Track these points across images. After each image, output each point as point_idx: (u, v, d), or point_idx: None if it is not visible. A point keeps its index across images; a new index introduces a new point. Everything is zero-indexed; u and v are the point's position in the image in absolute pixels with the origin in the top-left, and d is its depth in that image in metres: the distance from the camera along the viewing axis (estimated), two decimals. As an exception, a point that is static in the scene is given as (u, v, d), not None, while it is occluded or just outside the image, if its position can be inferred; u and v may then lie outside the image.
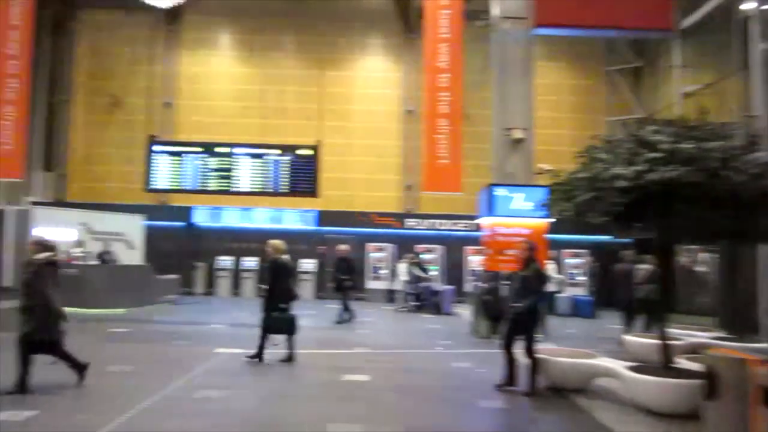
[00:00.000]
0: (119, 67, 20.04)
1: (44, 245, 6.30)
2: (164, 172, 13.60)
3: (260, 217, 18.72)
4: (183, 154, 13.61)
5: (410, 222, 18.83)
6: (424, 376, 7.68)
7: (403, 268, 16.07)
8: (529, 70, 12.04)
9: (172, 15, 19.47)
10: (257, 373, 7.52)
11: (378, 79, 20.21)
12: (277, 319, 7.96)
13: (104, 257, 14.26)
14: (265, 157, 13.39)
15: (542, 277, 7.02)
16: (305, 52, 20.02)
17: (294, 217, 18.73)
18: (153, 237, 16.96)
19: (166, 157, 13.63)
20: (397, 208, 19.37)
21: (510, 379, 6.75)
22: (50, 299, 6.11)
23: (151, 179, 13.73)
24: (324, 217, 18.62)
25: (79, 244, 14.38)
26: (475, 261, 17.48)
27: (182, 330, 10.99)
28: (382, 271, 17.95)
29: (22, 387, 5.95)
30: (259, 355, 7.88)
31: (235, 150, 13.56)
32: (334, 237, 17.39)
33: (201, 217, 18.75)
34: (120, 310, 12.89)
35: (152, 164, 13.64)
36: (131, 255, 15.90)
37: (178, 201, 18.75)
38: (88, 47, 20.29)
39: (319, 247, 18.18)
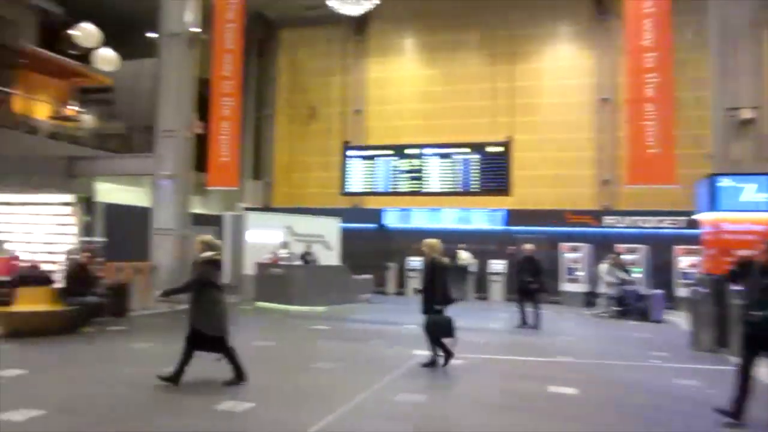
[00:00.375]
0: (314, 79, 21.50)
1: (209, 245, 6.52)
2: (357, 176, 14.17)
3: (448, 218, 18.70)
4: (375, 158, 14.05)
5: (608, 220, 17.37)
6: (642, 394, 6.73)
7: (604, 269, 14.72)
8: (758, 38, 10.23)
9: (360, 26, 20.36)
10: (455, 378, 7.27)
11: (569, 68, 18.98)
12: (435, 321, 7.66)
13: (306, 258, 15.23)
14: (454, 156, 13.23)
15: None
16: (489, 48, 19.53)
17: (482, 216, 18.39)
18: (348, 238, 17.85)
19: (359, 162, 14.18)
20: (590, 204, 17.99)
21: (737, 408, 5.55)
22: (214, 296, 6.35)
23: (346, 183, 14.40)
24: (513, 216, 18.00)
25: (285, 245, 15.58)
26: (686, 262, 15.61)
27: (378, 329, 11.24)
28: (578, 273, 16.76)
29: (239, 377, 6.36)
30: (433, 362, 7.63)
31: (425, 151, 13.62)
32: (524, 237, 16.65)
33: (391, 219, 19.32)
34: (320, 308, 13.65)
35: (346, 169, 14.29)
36: (329, 256, 16.90)
37: (370, 204, 19.52)
38: (287, 64, 22.10)
39: (509, 247, 17.55)
